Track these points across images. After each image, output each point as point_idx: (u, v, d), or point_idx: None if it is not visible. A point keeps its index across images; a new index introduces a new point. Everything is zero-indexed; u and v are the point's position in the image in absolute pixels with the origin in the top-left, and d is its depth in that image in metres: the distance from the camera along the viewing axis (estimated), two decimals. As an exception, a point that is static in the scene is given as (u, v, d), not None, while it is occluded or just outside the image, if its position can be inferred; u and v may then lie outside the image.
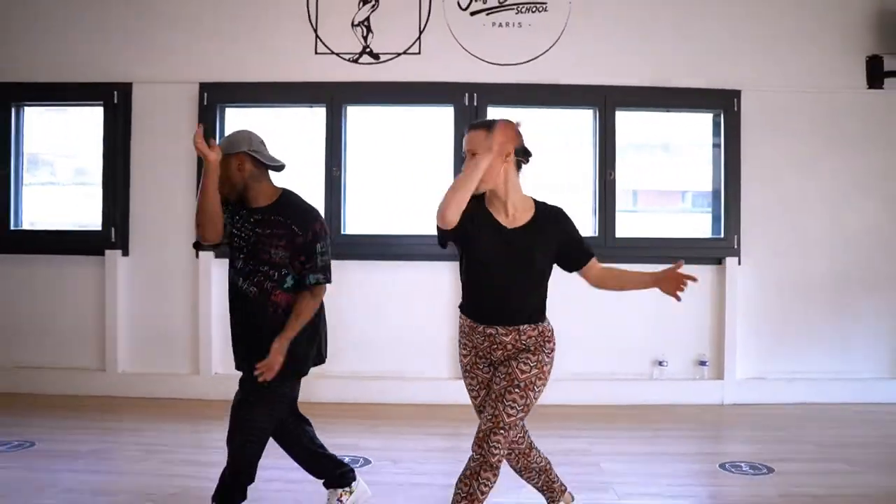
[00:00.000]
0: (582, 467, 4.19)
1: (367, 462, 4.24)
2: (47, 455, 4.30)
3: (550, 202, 3.04)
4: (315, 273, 3.15)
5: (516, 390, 2.84)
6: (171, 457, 4.31)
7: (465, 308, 3.01)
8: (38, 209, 5.98)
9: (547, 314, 3.05)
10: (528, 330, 2.93)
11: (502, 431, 2.79)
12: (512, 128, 2.88)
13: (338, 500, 3.43)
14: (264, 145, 3.29)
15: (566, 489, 3.36)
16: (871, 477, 4.10)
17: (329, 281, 3.20)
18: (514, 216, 2.93)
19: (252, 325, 3.13)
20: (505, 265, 2.90)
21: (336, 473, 3.44)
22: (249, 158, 3.19)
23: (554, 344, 3.01)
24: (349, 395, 5.54)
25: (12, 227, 5.83)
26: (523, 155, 2.93)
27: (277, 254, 3.11)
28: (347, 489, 3.45)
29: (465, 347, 3.01)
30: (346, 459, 4.17)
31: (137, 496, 3.57)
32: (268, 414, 3.09)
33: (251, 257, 3.14)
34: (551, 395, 5.47)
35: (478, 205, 2.90)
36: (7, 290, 5.82)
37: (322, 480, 3.47)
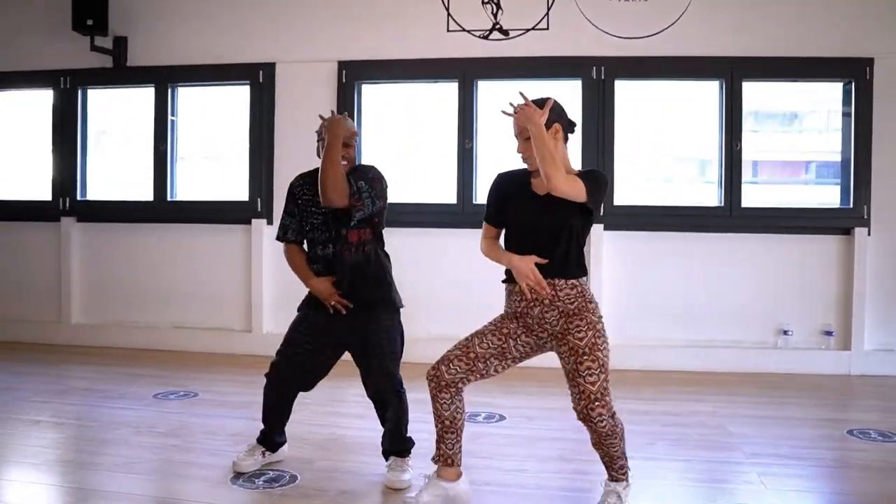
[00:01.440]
0: (709, 429, 4.31)
1: (502, 418, 4.48)
2: (211, 404, 4.72)
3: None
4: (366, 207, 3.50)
5: (585, 358, 2.85)
6: (318, 409, 4.64)
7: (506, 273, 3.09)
8: (191, 183, 6.45)
9: (587, 276, 3.03)
10: (565, 287, 2.93)
11: (597, 403, 2.81)
12: (530, 110, 2.89)
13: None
14: None
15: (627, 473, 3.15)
16: None
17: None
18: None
19: (350, 276, 3.46)
20: (537, 225, 2.97)
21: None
22: None
23: (596, 303, 3.00)
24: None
25: (169, 199, 6.32)
26: (569, 128, 3.02)
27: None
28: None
29: (504, 316, 3.09)
30: (484, 415, 4.49)
31: (296, 440, 3.89)
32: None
33: (325, 224, 3.47)
34: (672, 360, 5.73)
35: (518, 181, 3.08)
36: (165, 256, 6.36)
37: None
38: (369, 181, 3.39)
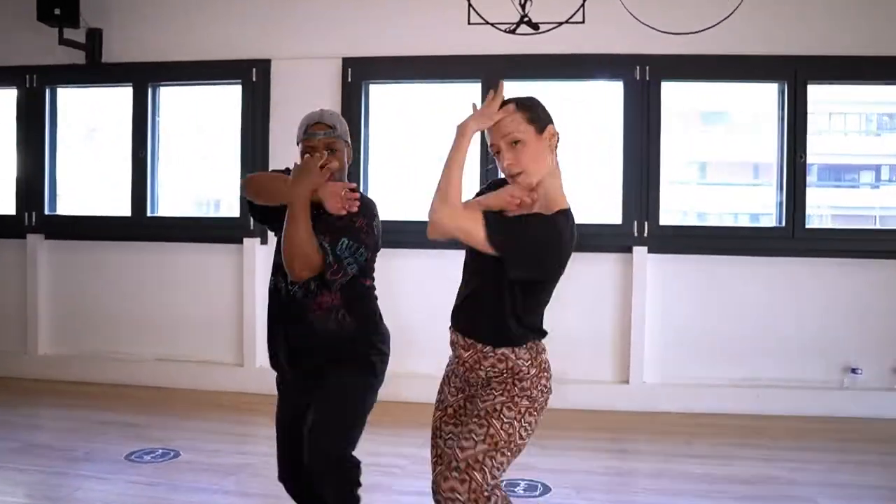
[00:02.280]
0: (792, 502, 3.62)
1: (546, 490, 3.76)
2: (194, 468, 3.98)
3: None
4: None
5: (473, 420, 2.23)
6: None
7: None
8: (174, 196, 5.77)
9: (532, 343, 2.31)
10: (491, 357, 2.27)
11: (454, 474, 2.15)
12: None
13: None
14: None
15: None
16: None
17: None
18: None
19: (302, 328, 2.70)
20: (474, 266, 2.36)
21: None
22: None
23: (534, 380, 2.28)
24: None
25: (149, 214, 5.59)
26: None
27: None
28: None
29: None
30: (523, 485, 3.77)
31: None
32: None
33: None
34: (719, 402, 5.01)
35: None
36: (145, 279, 5.67)
37: None
38: (355, 237, 2.54)
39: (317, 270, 2.48)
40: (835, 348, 5.09)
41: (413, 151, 5.49)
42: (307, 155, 2.64)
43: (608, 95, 5.18)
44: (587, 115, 5.32)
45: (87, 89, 5.91)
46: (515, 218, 2.22)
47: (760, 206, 5.29)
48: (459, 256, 2.41)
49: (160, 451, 4.18)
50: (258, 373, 5.35)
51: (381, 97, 5.49)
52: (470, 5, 5.20)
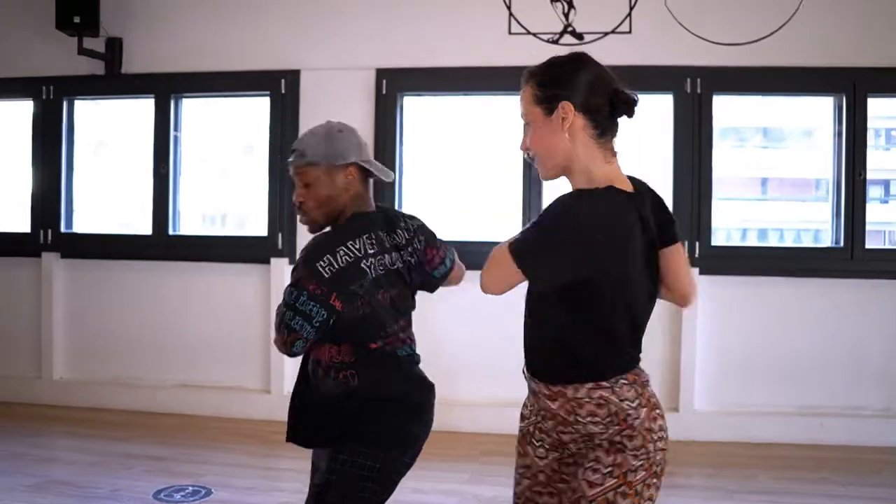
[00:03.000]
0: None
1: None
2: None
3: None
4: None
5: None
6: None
7: None
8: (198, 214, 5.59)
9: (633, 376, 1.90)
10: (586, 402, 1.85)
11: None
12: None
13: None
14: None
15: None
16: None
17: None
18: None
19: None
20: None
21: None
22: (360, 171, 2.31)
23: (646, 433, 1.86)
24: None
25: (171, 232, 5.36)
26: (609, 106, 1.91)
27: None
28: None
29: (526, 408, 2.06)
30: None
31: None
32: None
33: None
34: (776, 430, 4.75)
35: None
36: (167, 301, 5.44)
37: None
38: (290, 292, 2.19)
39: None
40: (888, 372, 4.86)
41: (451, 166, 5.27)
42: None
43: (659, 109, 4.95)
44: (635, 129, 5.08)
45: (107, 101, 5.70)
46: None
47: (820, 224, 5.06)
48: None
49: (190, 488, 3.92)
50: (286, 400, 5.11)
51: (419, 109, 5.31)
52: (511, 14, 5.00)
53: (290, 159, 2.31)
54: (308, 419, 2.30)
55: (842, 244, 4.83)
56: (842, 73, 4.81)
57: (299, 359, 2.34)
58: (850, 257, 4.81)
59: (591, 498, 1.82)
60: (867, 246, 4.82)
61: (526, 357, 1.98)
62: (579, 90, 1.89)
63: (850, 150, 4.82)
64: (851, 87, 4.80)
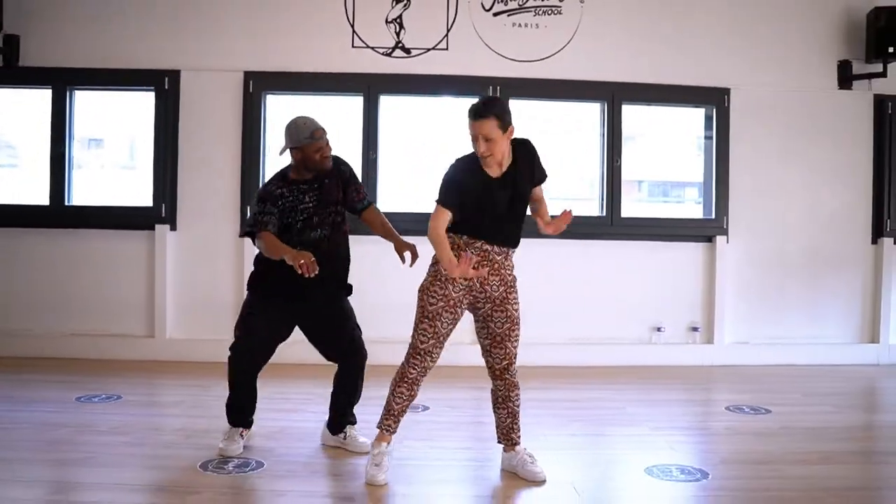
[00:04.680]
0: (610, 411, 4.86)
1: (426, 408, 4.81)
2: (139, 405, 4.79)
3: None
4: (366, 196, 4.08)
5: (515, 328, 3.53)
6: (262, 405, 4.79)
7: (461, 228, 3.43)
8: (90, 188, 6.37)
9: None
10: (510, 258, 3.50)
11: (515, 362, 3.58)
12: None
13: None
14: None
15: (519, 442, 3.68)
16: (855, 414, 4.91)
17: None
18: (502, 166, 3.41)
19: (332, 257, 3.81)
20: (502, 207, 3.41)
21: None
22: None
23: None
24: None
25: (67, 203, 6.23)
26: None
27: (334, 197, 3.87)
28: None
29: (444, 288, 3.44)
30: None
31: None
32: None
33: (315, 213, 3.79)
34: (559, 356, 6.23)
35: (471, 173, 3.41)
36: (64, 263, 6.20)
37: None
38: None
39: None
40: (644, 312, 6.44)
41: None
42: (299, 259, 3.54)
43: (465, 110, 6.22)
44: (448, 126, 6.29)
45: (7, 90, 6.42)
46: None
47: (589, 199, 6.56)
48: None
49: (104, 395, 4.92)
50: (168, 343, 6.13)
51: (279, 107, 6.27)
52: (354, 31, 6.23)
53: (326, 137, 3.86)
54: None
55: (604, 213, 6.39)
56: (605, 85, 6.31)
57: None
58: (610, 224, 6.36)
59: (517, 318, 3.54)
60: (623, 216, 6.42)
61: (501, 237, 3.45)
62: (510, 116, 3.38)
63: (611, 144, 6.37)
64: (611, 97, 6.34)
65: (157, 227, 6.17)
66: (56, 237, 6.22)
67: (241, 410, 3.90)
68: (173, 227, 6.18)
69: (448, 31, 6.26)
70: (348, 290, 3.99)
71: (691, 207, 6.90)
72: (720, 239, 6.42)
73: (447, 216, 3.38)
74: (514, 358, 3.56)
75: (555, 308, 6.28)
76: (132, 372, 5.67)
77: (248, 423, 3.94)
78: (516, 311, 3.52)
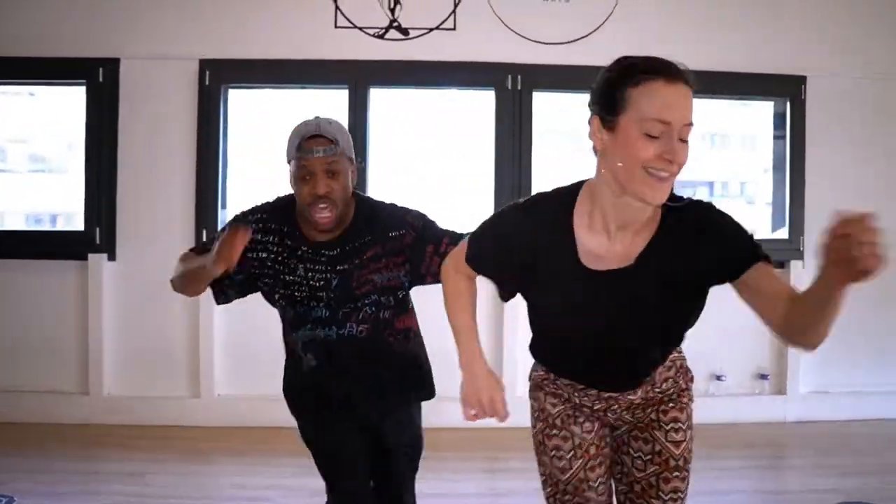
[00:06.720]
0: None
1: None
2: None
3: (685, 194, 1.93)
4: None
5: (675, 474, 2.00)
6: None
7: (547, 364, 2.10)
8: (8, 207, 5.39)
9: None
10: (663, 371, 2.02)
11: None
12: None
13: None
14: None
15: None
16: None
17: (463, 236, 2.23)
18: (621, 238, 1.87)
19: (367, 367, 2.40)
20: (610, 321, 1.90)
21: None
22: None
23: (691, 374, 2.13)
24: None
25: (-24, 226, 5.10)
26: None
27: (384, 277, 2.38)
28: None
29: (555, 397, 2.08)
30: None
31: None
32: None
33: (341, 300, 2.36)
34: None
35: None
36: None
37: None
38: None
39: None
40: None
41: (278, 161, 5.28)
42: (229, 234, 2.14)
43: (478, 105, 5.26)
44: (458, 124, 5.39)
45: None
46: None
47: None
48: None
49: (-8, 497, 3.73)
50: (105, 402, 5.03)
51: (243, 102, 5.30)
52: (337, 8, 5.10)
53: (321, 149, 2.24)
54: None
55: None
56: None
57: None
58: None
59: (679, 455, 2.01)
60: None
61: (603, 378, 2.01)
62: None
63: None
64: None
65: (91, 256, 5.07)
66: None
67: None
68: (111, 257, 5.09)
69: (456, 6, 5.12)
70: (420, 393, 2.54)
71: (755, 220, 5.72)
72: (795, 264, 5.25)
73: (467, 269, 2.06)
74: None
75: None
76: (58, 442, 4.61)
77: None
78: (680, 445, 2.02)
